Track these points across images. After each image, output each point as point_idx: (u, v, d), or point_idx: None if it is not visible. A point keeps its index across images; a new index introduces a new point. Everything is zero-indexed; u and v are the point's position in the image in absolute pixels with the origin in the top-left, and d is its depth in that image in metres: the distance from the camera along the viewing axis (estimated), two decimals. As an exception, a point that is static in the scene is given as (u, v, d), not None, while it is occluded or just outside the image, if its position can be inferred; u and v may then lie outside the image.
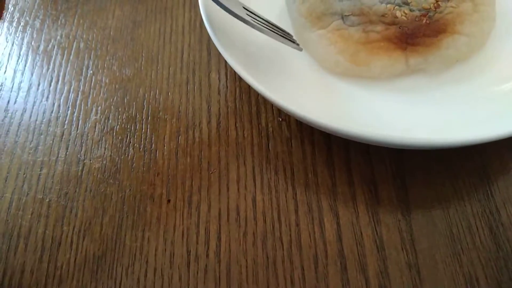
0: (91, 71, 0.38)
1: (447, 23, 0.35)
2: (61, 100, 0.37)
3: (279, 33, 0.33)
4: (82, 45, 0.40)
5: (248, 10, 0.33)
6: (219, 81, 0.37)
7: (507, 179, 0.32)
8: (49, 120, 0.36)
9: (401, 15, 0.36)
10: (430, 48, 0.35)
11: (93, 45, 0.40)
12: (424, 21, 0.36)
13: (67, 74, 0.38)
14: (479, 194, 0.31)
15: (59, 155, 0.34)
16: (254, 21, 0.32)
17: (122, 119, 0.35)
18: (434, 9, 0.36)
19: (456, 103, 0.33)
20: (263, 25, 0.33)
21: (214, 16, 0.35)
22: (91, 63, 0.39)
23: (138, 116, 0.35)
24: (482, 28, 0.36)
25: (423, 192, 0.31)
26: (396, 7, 0.36)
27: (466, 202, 0.31)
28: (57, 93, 0.37)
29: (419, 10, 0.36)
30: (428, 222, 0.30)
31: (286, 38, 0.34)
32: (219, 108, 0.36)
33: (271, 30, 0.33)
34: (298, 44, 0.34)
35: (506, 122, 0.30)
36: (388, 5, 0.36)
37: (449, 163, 0.32)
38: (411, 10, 0.36)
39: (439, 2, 0.36)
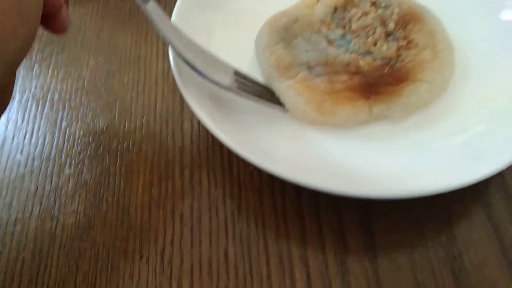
0: (65, 123, 0.39)
1: (409, 71, 0.37)
2: (35, 154, 0.37)
3: (266, 96, 0.36)
4: (56, 96, 0.41)
5: (238, 74, 0.35)
6: (192, 131, 0.38)
7: (469, 223, 0.33)
8: (23, 175, 0.36)
9: (364, 65, 0.37)
10: (392, 97, 0.36)
11: (67, 96, 0.41)
12: (386, 70, 0.37)
13: (41, 126, 0.39)
14: (443, 239, 0.32)
15: (33, 211, 0.34)
16: (239, 88, 0.34)
17: (96, 172, 0.36)
18: (396, 58, 0.38)
19: (419, 150, 0.35)
20: (249, 90, 0.35)
21: (184, 68, 0.36)
22: (65, 114, 0.40)
23: (111, 168, 0.36)
24: (443, 74, 0.38)
25: (389, 238, 0.32)
26: (360, 56, 0.38)
27: (430, 247, 0.32)
28: (31, 147, 0.38)
29: (382, 59, 0.38)
30: (394, 268, 0.31)
31: (272, 101, 0.36)
32: (191, 159, 0.36)
33: (257, 95, 0.35)
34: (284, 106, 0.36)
35: (468, 170, 0.32)
36: (352, 55, 0.38)
37: (413, 208, 0.33)
38: (374, 59, 0.38)
39: (401, 51, 0.38)
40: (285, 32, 0.39)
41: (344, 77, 0.37)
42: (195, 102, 0.34)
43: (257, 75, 0.39)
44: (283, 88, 0.37)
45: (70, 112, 0.40)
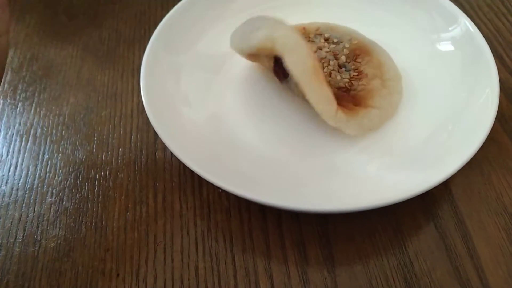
0: (47, 156, 0.42)
1: (361, 99, 0.41)
2: (19, 185, 0.40)
3: None
4: (39, 131, 0.44)
5: None
6: (165, 158, 0.41)
7: (419, 233, 0.36)
8: (8, 204, 0.39)
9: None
10: (352, 112, 0.39)
11: (49, 131, 0.44)
12: (344, 93, 0.41)
13: (25, 159, 0.42)
14: (395, 248, 0.35)
15: (17, 237, 0.37)
16: None
17: (75, 200, 0.39)
18: (349, 87, 0.42)
19: (369, 168, 0.38)
20: None
21: (154, 101, 0.39)
22: (47, 148, 0.43)
23: (90, 196, 0.39)
24: (391, 101, 0.41)
25: (345, 249, 0.35)
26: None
27: (383, 256, 0.35)
28: (15, 178, 0.41)
29: (338, 88, 0.42)
30: (351, 277, 0.34)
31: None
32: (164, 184, 0.40)
33: None
34: None
35: (409, 184, 0.35)
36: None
37: (367, 220, 0.36)
38: (332, 87, 0.41)
39: (352, 81, 0.42)
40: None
41: None
42: (165, 133, 0.37)
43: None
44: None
45: (51, 145, 0.43)
